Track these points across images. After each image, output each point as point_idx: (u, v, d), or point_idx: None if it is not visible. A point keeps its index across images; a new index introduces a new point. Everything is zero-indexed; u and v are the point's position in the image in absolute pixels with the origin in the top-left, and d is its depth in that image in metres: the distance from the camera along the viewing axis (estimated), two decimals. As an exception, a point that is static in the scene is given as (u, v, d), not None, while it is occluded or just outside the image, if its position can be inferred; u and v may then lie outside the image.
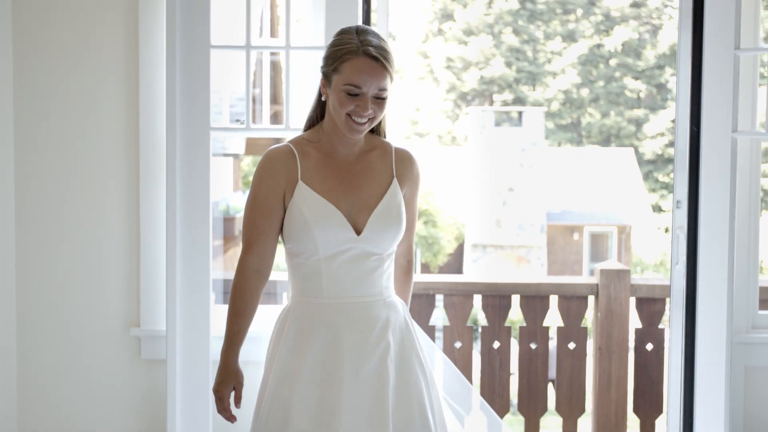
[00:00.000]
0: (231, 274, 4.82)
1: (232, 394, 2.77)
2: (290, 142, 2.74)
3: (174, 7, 3.46)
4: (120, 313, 3.78)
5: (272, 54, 7.66)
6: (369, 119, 2.66)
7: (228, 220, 10.23)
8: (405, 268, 2.93)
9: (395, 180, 2.76)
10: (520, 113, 23.90)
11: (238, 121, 3.85)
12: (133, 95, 3.73)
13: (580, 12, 31.67)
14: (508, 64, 31.09)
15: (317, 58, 3.68)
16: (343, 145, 2.73)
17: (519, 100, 30.78)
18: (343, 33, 2.68)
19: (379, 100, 2.64)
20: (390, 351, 2.68)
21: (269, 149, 2.72)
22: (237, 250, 12.77)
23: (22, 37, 3.72)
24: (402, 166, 2.79)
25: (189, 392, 3.55)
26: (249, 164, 20.58)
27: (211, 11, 3.50)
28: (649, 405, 4.59)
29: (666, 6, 31.20)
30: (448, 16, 31.63)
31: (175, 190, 3.50)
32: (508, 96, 31.07)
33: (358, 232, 2.67)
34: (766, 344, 3.81)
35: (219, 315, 3.84)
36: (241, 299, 2.70)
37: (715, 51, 3.52)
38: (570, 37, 31.39)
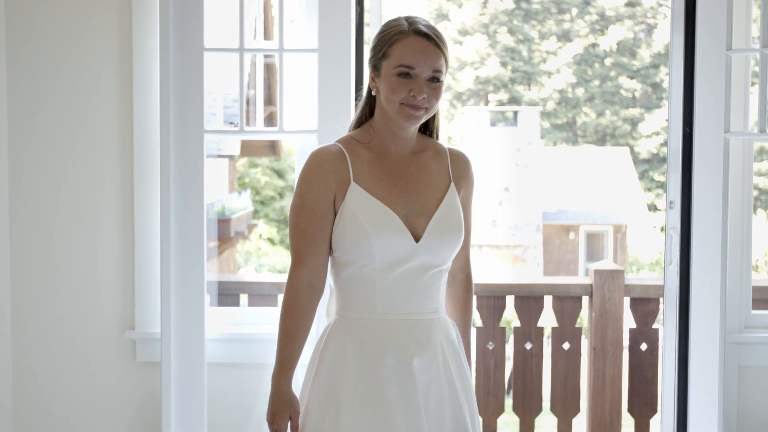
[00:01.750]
0: (226, 276, 4.83)
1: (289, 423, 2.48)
2: (338, 141, 2.51)
3: (167, 10, 3.46)
4: (115, 316, 3.78)
5: (266, 56, 7.67)
6: (425, 108, 2.44)
7: (223, 222, 10.22)
8: (465, 285, 2.67)
9: (452, 184, 2.54)
10: (515, 113, 23.91)
11: (232, 123, 3.85)
12: (127, 98, 3.73)
13: (575, 11, 31.70)
14: (504, 64, 31.11)
15: (310, 60, 3.69)
16: (395, 145, 2.51)
17: (514, 100, 30.80)
18: (390, 20, 2.49)
19: (434, 84, 2.42)
20: (445, 374, 2.47)
21: (315, 149, 2.50)
22: (232, 252, 12.77)
23: (14, 39, 3.72)
24: (458, 169, 2.58)
25: (184, 395, 3.56)
26: (244, 165, 20.56)
27: (204, 13, 3.51)
28: (643, 404, 4.60)
29: (661, 5, 31.23)
30: (443, 16, 31.64)
31: (170, 193, 3.51)
32: (503, 96, 31.09)
33: (417, 240, 2.44)
34: (759, 344, 3.82)
35: (214, 317, 3.85)
36: (294, 319, 2.43)
37: (707, 52, 3.53)
38: (565, 37, 31.41)
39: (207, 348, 3.58)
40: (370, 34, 2.87)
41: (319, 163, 2.46)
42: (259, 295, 4.36)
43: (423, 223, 2.45)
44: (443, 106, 31.60)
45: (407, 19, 2.47)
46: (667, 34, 30.18)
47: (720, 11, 3.51)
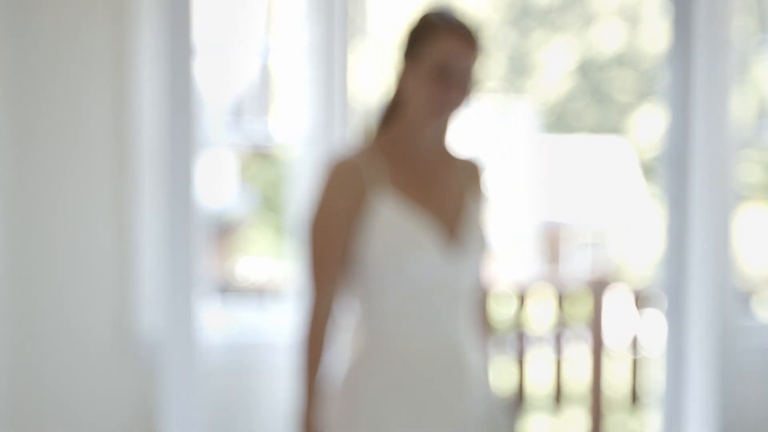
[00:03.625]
0: (224, 278, 4.83)
1: None
2: (358, 150, 2.24)
3: (164, 10, 3.46)
4: (112, 318, 3.78)
5: (266, 52, 7.66)
6: (457, 106, 2.24)
7: (222, 223, 10.22)
8: (482, 300, 2.43)
9: (471, 193, 2.31)
10: (512, 107, 23.90)
11: (228, 124, 3.84)
12: (122, 96, 3.73)
13: (573, 6, 31.70)
14: (500, 57, 31.10)
15: (309, 60, 3.69)
16: (423, 147, 2.27)
17: (512, 93, 30.79)
18: (423, 13, 2.29)
19: (467, 82, 2.23)
20: (478, 406, 2.27)
21: (332, 161, 2.22)
22: (233, 251, 12.75)
23: (15, 39, 3.72)
24: (474, 176, 2.34)
25: (182, 396, 3.55)
26: (245, 166, 20.49)
27: (198, 14, 3.50)
28: (641, 403, 4.61)
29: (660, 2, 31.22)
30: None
31: (167, 193, 3.51)
32: (499, 90, 31.09)
33: (450, 257, 2.20)
34: (753, 346, 3.83)
35: (212, 319, 3.85)
36: (317, 352, 2.19)
37: (704, 49, 3.54)
38: (563, 30, 31.42)
39: (207, 354, 3.58)
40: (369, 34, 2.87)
41: (337, 177, 2.19)
42: (259, 295, 4.35)
43: (454, 238, 2.22)
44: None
45: (442, 13, 2.26)
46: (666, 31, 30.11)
47: (718, 8, 3.52)
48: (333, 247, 2.18)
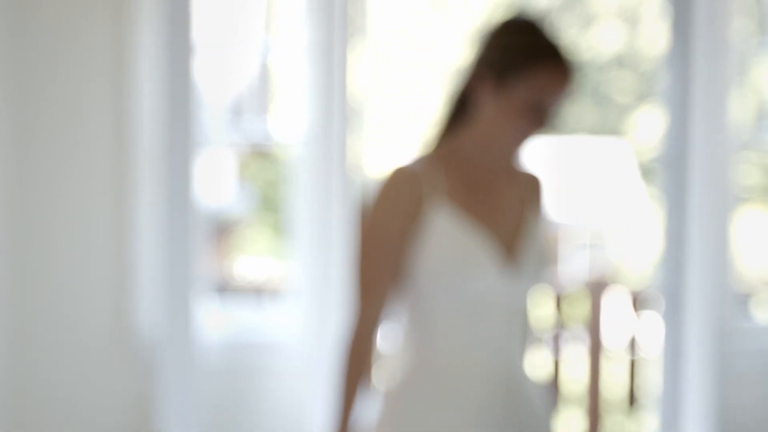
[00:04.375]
0: (223, 277, 4.83)
1: None
2: (420, 157, 2.12)
3: (163, 9, 3.46)
4: (111, 316, 3.78)
5: (265, 51, 7.66)
6: (537, 134, 2.11)
7: (221, 222, 10.23)
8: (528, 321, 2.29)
9: (528, 207, 2.18)
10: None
11: (228, 123, 3.85)
12: (122, 96, 3.73)
13: (572, 7, 31.69)
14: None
15: (306, 57, 3.69)
16: (488, 164, 2.13)
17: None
18: (523, 25, 2.08)
19: (554, 112, 2.09)
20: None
21: (394, 168, 2.11)
22: (232, 251, 12.75)
23: (15, 39, 3.72)
24: (530, 191, 2.21)
25: (180, 395, 3.55)
26: (244, 166, 20.46)
27: (197, 13, 3.50)
28: (638, 405, 4.61)
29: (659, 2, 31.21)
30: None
31: (166, 192, 3.51)
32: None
33: (507, 275, 2.07)
34: (748, 348, 3.83)
35: (210, 318, 3.85)
36: (362, 363, 2.06)
37: (703, 51, 3.54)
38: (560, 32, 31.38)
39: (205, 353, 3.58)
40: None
41: (397, 184, 2.06)
42: (258, 294, 4.36)
43: (515, 256, 2.09)
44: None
45: (546, 35, 2.06)
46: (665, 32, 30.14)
47: (717, 9, 3.52)
48: (384, 258, 2.06)
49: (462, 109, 2.11)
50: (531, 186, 2.19)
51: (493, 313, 2.06)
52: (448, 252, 2.03)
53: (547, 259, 2.16)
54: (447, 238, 2.04)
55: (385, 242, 2.06)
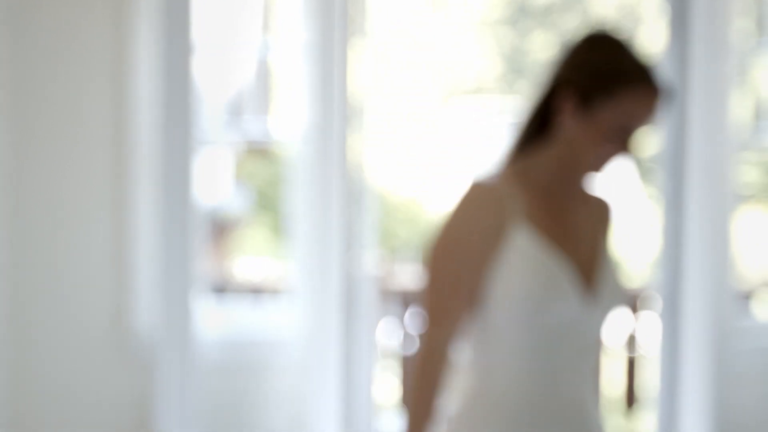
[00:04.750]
0: (221, 276, 4.83)
1: None
2: (497, 173, 1.99)
3: (162, 8, 3.46)
4: (110, 315, 3.78)
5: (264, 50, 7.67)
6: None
7: (219, 221, 10.22)
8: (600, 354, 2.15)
9: (600, 233, 2.05)
10: (509, 108, 23.90)
11: (227, 122, 3.85)
12: (121, 95, 3.73)
13: (570, 7, 31.69)
14: (498, 58, 31.09)
15: (306, 56, 3.69)
16: (566, 184, 2.01)
17: (509, 94, 30.77)
18: (610, 44, 1.94)
19: (637, 135, 1.96)
20: None
21: (473, 184, 1.97)
22: (230, 250, 12.75)
23: (14, 40, 3.72)
24: (601, 216, 2.08)
25: (178, 393, 3.55)
26: (243, 165, 20.46)
27: (197, 12, 3.50)
28: (636, 404, 4.61)
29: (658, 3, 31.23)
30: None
31: (165, 191, 3.51)
32: (498, 90, 31.07)
33: (587, 304, 1.94)
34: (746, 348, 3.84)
35: (208, 317, 3.85)
36: (435, 389, 1.90)
37: (702, 50, 3.54)
38: (560, 32, 31.41)
39: (205, 351, 3.58)
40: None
41: (479, 201, 1.93)
42: (258, 294, 4.36)
43: (589, 283, 1.96)
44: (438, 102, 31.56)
45: (636, 56, 1.93)
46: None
47: (716, 8, 3.52)
48: (461, 281, 1.91)
49: (540, 126, 1.98)
50: (602, 211, 2.07)
51: (569, 344, 1.93)
52: (530, 277, 1.89)
53: (623, 290, 2.03)
54: (529, 262, 1.90)
55: (463, 263, 1.91)
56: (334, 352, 3.61)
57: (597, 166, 1.96)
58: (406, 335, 5.04)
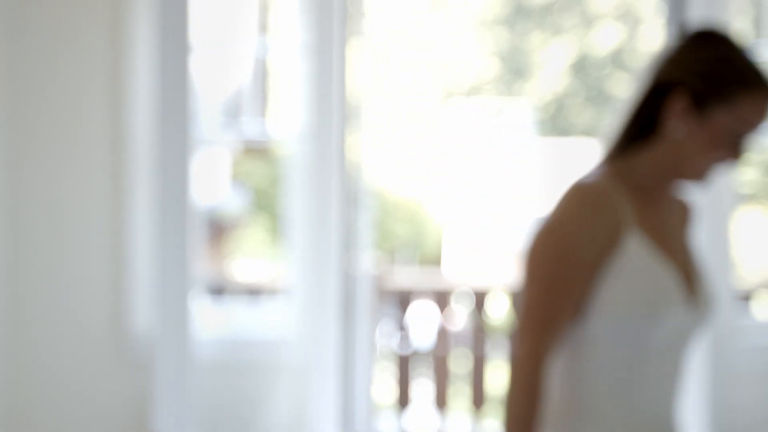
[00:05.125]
0: (218, 276, 4.83)
1: None
2: (600, 173, 1.88)
3: (160, 8, 3.46)
4: (107, 315, 3.78)
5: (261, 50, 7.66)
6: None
7: (217, 221, 10.22)
8: None
9: (687, 237, 1.98)
10: (507, 108, 23.90)
11: (224, 122, 3.84)
12: (119, 96, 3.73)
13: (568, 7, 31.68)
14: (496, 59, 31.09)
15: (304, 58, 3.68)
16: (663, 187, 1.91)
17: (507, 96, 30.78)
18: (724, 46, 1.85)
19: (747, 140, 1.86)
20: None
21: (582, 185, 1.85)
22: (228, 249, 12.75)
23: (14, 40, 3.71)
24: (685, 218, 1.99)
25: (176, 394, 3.55)
26: (241, 165, 20.45)
27: (194, 11, 3.50)
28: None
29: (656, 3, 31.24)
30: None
31: (162, 190, 3.50)
32: (496, 91, 31.07)
33: (692, 312, 1.85)
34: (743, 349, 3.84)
35: (206, 317, 3.85)
36: (538, 406, 1.78)
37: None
38: (558, 32, 31.41)
39: (203, 351, 3.57)
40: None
41: (593, 204, 1.80)
42: (256, 294, 4.36)
43: (692, 292, 1.87)
44: (437, 103, 31.56)
45: (751, 59, 1.84)
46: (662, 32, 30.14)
47: (712, 8, 3.52)
48: (570, 290, 1.78)
49: (641, 126, 1.88)
50: (685, 213, 1.98)
51: (670, 354, 1.83)
52: (642, 285, 1.79)
53: (716, 297, 1.95)
54: (641, 270, 1.79)
55: (574, 269, 1.78)
56: (333, 353, 3.61)
57: (703, 171, 1.86)
58: (404, 335, 5.04)
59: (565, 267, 1.78)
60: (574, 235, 1.79)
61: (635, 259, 1.79)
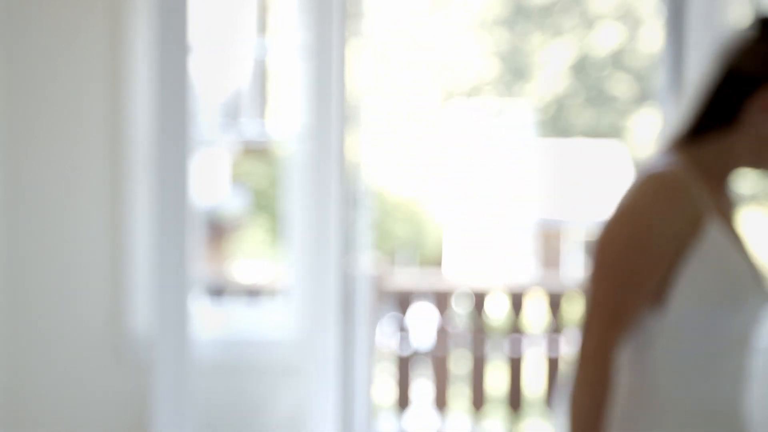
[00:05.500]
0: (218, 277, 4.84)
1: None
2: (675, 162, 1.83)
3: (159, 8, 3.46)
4: (106, 315, 3.78)
5: (260, 51, 7.66)
6: None
7: (216, 222, 10.24)
8: None
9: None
10: (507, 109, 23.92)
11: (223, 122, 3.84)
12: (119, 93, 3.73)
13: (568, 8, 31.71)
14: (496, 60, 31.11)
15: (301, 56, 3.68)
16: (729, 179, 1.88)
17: (507, 96, 30.80)
18: None
19: None
20: None
21: (659, 173, 1.80)
22: (228, 249, 12.76)
23: (13, 39, 3.72)
24: (734, 210, 2.00)
25: (174, 394, 3.55)
26: (241, 165, 20.46)
27: (194, 12, 3.50)
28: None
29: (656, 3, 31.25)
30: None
31: (161, 191, 3.50)
32: (496, 91, 31.09)
33: (765, 302, 1.81)
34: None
35: (204, 317, 3.85)
36: (603, 403, 1.73)
37: (697, 50, 3.54)
38: (558, 32, 31.43)
39: (202, 351, 3.57)
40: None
41: (674, 191, 1.75)
42: (255, 295, 4.36)
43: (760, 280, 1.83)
44: (437, 103, 31.56)
45: None
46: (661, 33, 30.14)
47: (711, 9, 3.52)
48: (648, 277, 1.73)
49: (718, 114, 1.86)
50: (735, 205, 1.94)
51: (745, 344, 1.79)
52: (724, 274, 1.74)
53: None
54: (722, 259, 1.75)
55: (651, 262, 1.73)
56: (332, 353, 3.61)
57: None
58: (404, 336, 5.04)
59: (643, 257, 1.73)
60: (653, 225, 1.74)
61: (716, 247, 1.75)
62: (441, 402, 4.97)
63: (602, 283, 1.75)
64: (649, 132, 30.68)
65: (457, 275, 20.55)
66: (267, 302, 4.30)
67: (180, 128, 3.53)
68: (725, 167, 1.84)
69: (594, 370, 1.72)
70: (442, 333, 4.90)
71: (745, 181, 2.00)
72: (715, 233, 1.75)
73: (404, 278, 5.21)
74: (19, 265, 3.78)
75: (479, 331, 4.80)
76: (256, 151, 12.17)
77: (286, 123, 3.85)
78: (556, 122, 31.63)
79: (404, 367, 5.01)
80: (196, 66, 3.54)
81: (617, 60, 31.19)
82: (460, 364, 5.15)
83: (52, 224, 3.77)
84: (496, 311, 5.04)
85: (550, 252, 25.10)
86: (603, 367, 1.72)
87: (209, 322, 3.87)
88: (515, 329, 4.60)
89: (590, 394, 1.72)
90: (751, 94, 1.81)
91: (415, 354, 5.13)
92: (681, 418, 1.75)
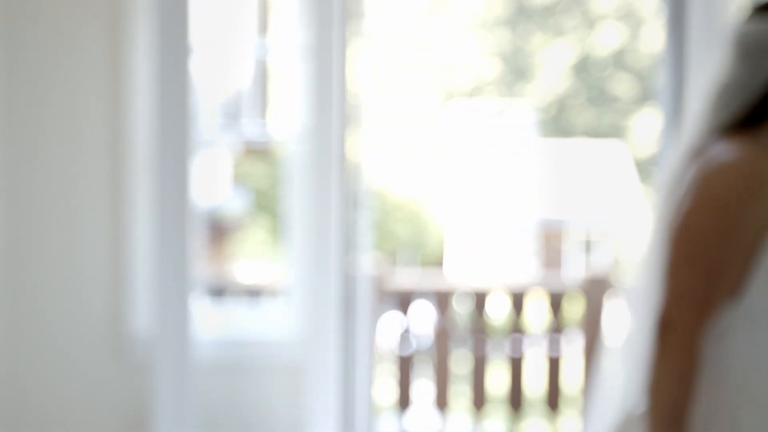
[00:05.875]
0: (219, 277, 4.83)
1: None
2: (741, 147, 1.77)
3: (159, 9, 3.46)
4: (106, 316, 3.78)
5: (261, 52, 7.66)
6: None
7: (217, 222, 10.24)
8: None
9: None
10: (508, 109, 23.91)
11: (224, 122, 3.84)
12: (120, 94, 3.73)
13: (570, 8, 31.69)
14: (497, 60, 31.09)
15: (301, 56, 3.69)
16: None
17: (508, 96, 30.78)
18: None
19: None
20: None
21: (729, 164, 1.74)
22: (228, 249, 12.75)
23: (12, 40, 3.72)
24: None
25: (175, 394, 3.55)
26: (241, 166, 20.44)
27: (194, 12, 3.50)
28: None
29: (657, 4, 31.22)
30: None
31: (162, 192, 3.50)
32: (497, 91, 31.07)
33: None
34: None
35: (205, 317, 3.85)
36: (688, 399, 1.70)
37: (698, 50, 3.54)
38: (560, 33, 31.41)
39: (203, 351, 3.57)
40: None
41: (754, 176, 1.71)
42: (256, 295, 4.36)
43: None
44: (437, 103, 31.54)
45: None
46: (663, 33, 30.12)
47: (711, 9, 3.52)
48: (729, 270, 1.69)
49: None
50: None
51: None
52: None
53: None
54: None
55: (737, 250, 1.69)
56: (333, 353, 3.61)
57: None
58: (404, 336, 5.04)
59: (729, 247, 1.69)
60: (737, 214, 1.69)
61: None
62: (442, 402, 4.97)
63: (685, 274, 1.69)
64: (650, 132, 30.66)
65: (458, 275, 20.53)
66: (268, 302, 4.30)
67: (181, 128, 3.53)
68: None
69: (683, 362, 1.68)
70: (443, 333, 4.89)
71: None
72: None
73: (405, 278, 5.22)
74: (20, 265, 3.78)
75: (480, 331, 4.80)
76: (257, 152, 12.17)
77: (287, 123, 3.85)
78: (558, 122, 31.62)
79: (405, 367, 5.01)
80: (196, 66, 3.54)
81: (618, 60, 31.18)
82: (460, 364, 5.15)
83: (53, 225, 3.77)
84: (497, 311, 5.04)
85: (550, 252, 25.09)
86: (692, 359, 1.68)
87: (210, 322, 3.87)
88: (516, 329, 4.60)
89: (680, 387, 1.67)
90: None
91: (416, 354, 5.13)
92: (757, 411, 1.71)
